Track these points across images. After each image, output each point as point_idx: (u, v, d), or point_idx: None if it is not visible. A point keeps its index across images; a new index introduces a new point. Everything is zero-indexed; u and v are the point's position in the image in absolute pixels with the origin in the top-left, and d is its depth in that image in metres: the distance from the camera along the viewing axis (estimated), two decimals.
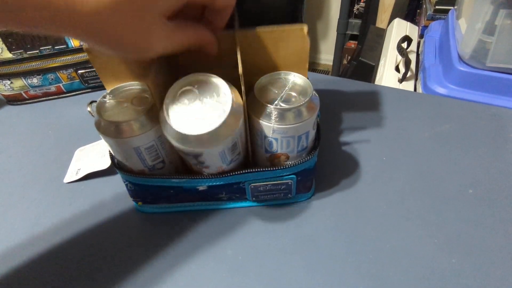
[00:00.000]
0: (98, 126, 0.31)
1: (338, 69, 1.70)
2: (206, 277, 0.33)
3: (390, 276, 0.32)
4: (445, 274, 0.32)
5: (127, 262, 0.34)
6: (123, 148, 0.32)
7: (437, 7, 1.00)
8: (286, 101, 0.30)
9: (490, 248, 0.33)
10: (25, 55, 0.51)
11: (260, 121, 0.30)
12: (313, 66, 2.15)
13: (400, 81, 0.86)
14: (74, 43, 0.52)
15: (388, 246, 0.34)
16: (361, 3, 1.58)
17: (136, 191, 0.36)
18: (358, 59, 1.19)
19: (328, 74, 1.99)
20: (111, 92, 0.32)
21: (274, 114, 0.30)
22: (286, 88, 0.32)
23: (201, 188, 0.35)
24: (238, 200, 0.38)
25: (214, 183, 0.34)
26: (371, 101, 0.52)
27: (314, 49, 2.10)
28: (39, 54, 0.51)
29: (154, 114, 0.30)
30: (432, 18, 1.01)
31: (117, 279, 0.33)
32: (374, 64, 1.12)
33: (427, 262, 0.33)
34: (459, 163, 0.42)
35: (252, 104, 0.31)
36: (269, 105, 0.29)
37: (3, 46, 0.50)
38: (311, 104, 0.30)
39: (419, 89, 0.78)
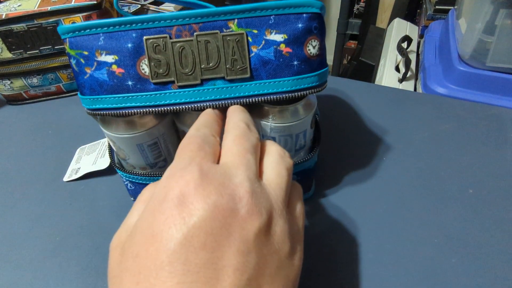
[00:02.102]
0: (102, 121, 0.31)
1: (338, 69, 1.70)
2: None
3: (390, 276, 0.32)
4: (445, 274, 0.32)
5: None
6: (126, 145, 0.32)
7: (437, 7, 1.00)
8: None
9: (490, 248, 0.33)
10: (25, 55, 0.51)
11: (258, 120, 0.31)
12: None
13: (400, 81, 0.86)
14: None
15: (388, 246, 0.34)
16: (361, 3, 1.58)
17: (136, 190, 0.36)
18: (358, 59, 1.19)
19: (328, 74, 1.99)
20: None
21: (271, 112, 0.30)
22: None
23: None
24: None
25: None
26: (371, 101, 0.52)
27: None
28: (39, 54, 0.51)
29: None
30: (432, 18, 1.01)
31: None
32: (374, 64, 1.12)
33: (427, 262, 0.33)
34: (459, 163, 0.42)
35: None
36: (266, 104, 0.30)
37: (3, 46, 0.50)
38: (308, 102, 0.31)
39: (419, 89, 0.78)
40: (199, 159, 0.19)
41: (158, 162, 0.34)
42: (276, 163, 0.21)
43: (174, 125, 0.33)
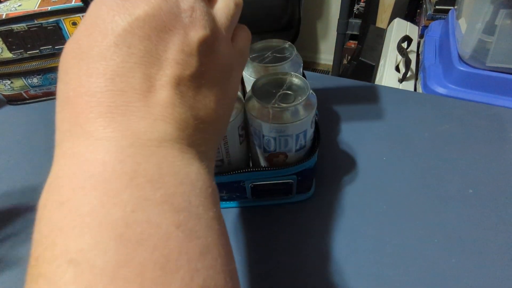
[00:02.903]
0: None
1: (338, 69, 1.70)
2: None
3: (390, 276, 0.32)
4: (445, 274, 0.32)
5: None
6: None
7: (437, 7, 1.00)
8: (283, 100, 0.31)
9: (490, 248, 0.33)
10: (25, 55, 0.51)
11: (258, 120, 0.31)
12: (313, 66, 2.15)
13: (400, 81, 0.86)
14: None
15: (388, 246, 0.34)
16: (361, 3, 1.58)
17: None
18: (358, 59, 1.19)
19: (328, 74, 1.99)
20: None
21: (271, 113, 0.30)
22: (284, 87, 0.32)
23: None
24: (238, 199, 0.38)
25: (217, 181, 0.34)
26: (371, 101, 0.52)
27: (314, 49, 2.10)
28: (39, 53, 0.51)
29: None
30: (432, 18, 1.01)
31: None
32: (374, 64, 1.12)
33: (427, 262, 0.33)
34: (459, 163, 0.42)
35: (249, 103, 0.31)
36: (266, 104, 0.30)
37: (3, 46, 0.50)
38: (308, 103, 0.31)
39: (419, 89, 0.78)
40: None
41: None
42: None
43: None
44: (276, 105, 0.30)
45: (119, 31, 0.16)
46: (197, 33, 0.18)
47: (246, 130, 0.34)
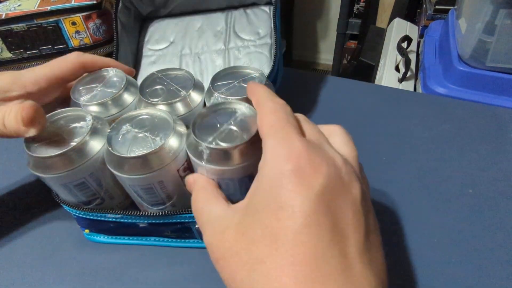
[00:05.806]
0: (28, 160, 0.28)
1: (338, 69, 1.70)
2: None
3: (390, 276, 0.32)
4: (445, 274, 0.32)
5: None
6: (51, 183, 0.29)
7: (437, 7, 1.00)
8: (226, 137, 0.26)
9: (490, 248, 0.33)
10: (25, 55, 0.51)
11: (194, 159, 0.26)
12: (313, 66, 2.15)
13: (400, 81, 0.86)
14: (74, 43, 0.52)
15: (387, 246, 0.34)
16: (361, 3, 1.58)
17: (79, 219, 0.33)
18: (358, 59, 1.19)
19: (328, 74, 1.99)
20: (49, 118, 0.30)
21: (206, 153, 0.25)
22: (230, 121, 0.27)
23: (142, 224, 0.32)
24: (190, 239, 0.34)
25: (153, 221, 0.31)
26: (371, 101, 0.52)
27: (314, 49, 2.10)
28: (39, 53, 0.51)
29: (86, 149, 0.27)
30: (432, 18, 1.01)
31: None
32: (374, 64, 1.12)
33: (426, 262, 0.32)
34: (459, 163, 0.42)
35: (189, 139, 0.27)
36: (202, 142, 0.25)
37: (3, 46, 0.50)
38: (254, 145, 0.25)
39: (419, 89, 0.78)
40: (296, 135, 0.20)
41: (92, 200, 0.31)
42: (346, 140, 0.24)
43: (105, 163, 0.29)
44: (212, 144, 0.25)
45: (308, 211, 0.17)
46: (356, 188, 0.19)
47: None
